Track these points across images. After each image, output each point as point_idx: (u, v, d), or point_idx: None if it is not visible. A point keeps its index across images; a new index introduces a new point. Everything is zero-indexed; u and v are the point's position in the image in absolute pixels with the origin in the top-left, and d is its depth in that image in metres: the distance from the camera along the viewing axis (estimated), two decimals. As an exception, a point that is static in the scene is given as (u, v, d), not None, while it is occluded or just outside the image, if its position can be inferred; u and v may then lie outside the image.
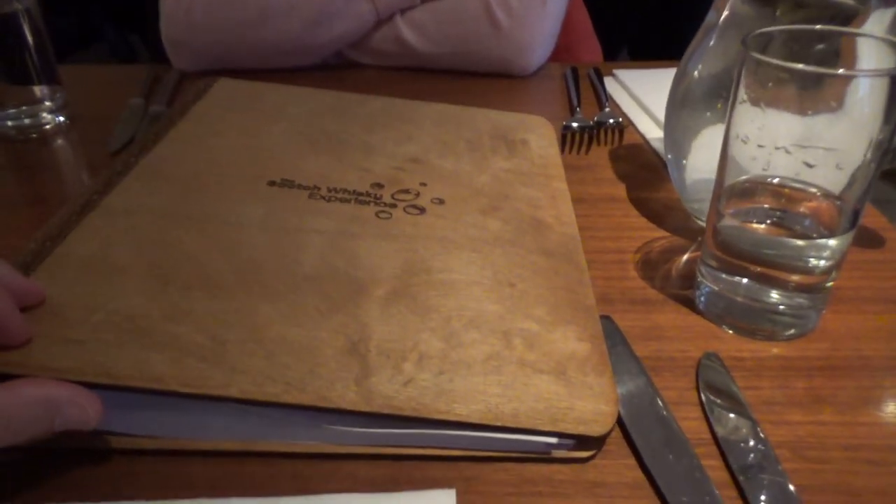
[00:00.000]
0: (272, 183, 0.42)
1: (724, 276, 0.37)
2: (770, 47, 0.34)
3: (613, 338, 0.36)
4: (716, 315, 0.38)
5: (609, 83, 0.71)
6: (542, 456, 0.30)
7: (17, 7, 0.57)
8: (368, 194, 0.42)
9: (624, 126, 0.61)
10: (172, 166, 0.43)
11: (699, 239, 0.45)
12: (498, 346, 0.32)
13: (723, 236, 0.37)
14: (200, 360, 0.29)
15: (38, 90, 0.62)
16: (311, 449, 0.30)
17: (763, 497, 0.28)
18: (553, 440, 0.29)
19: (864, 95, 0.31)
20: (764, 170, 0.34)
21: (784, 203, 0.36)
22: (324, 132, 0.49)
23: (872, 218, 0.48)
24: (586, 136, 0.60)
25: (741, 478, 0.29)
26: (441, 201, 0.42)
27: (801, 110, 0.32)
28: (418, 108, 0.56)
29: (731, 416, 0.32)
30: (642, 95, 0.66)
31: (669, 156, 0.47)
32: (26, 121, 0.62)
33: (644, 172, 0.55)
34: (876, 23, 0.37)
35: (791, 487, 0.28)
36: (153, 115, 0.64)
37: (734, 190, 0.36)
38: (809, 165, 0.33)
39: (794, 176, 0.34)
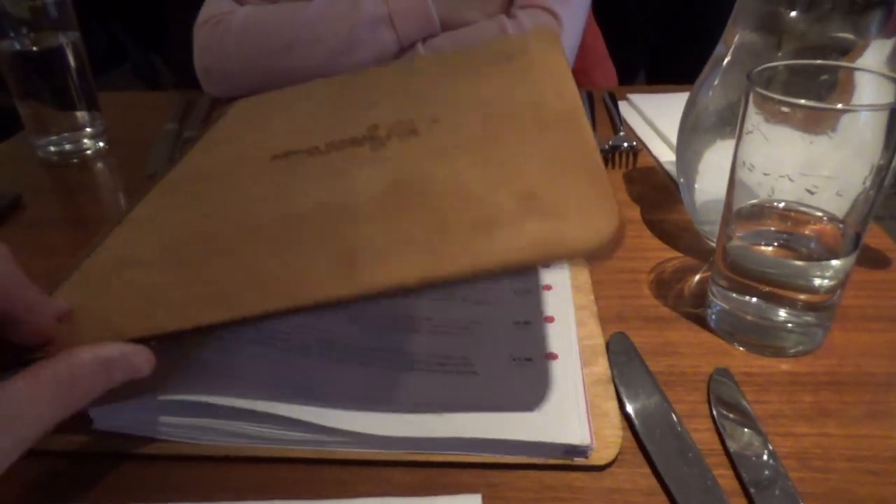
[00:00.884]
0: (275, 157, 0.42)
1: (734, 295, 0.39)
2: (774, 81, 0.36)
3: (628, 353, 0.39)
4: (726, 332, 0.40)
5: (623, 107, 0.73)
6: (561, 463, 0.32)
7: (64, 41, 0.61)
8: (365, 137, 0.41)
9: (638, 149, 0.64)
10: (189, 176, 0.45)
11: (710, 259, 0.47)
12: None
13: (732, 257, 0.39)
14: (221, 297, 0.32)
15: (80, 116, 0.66)
16: (348, 456, 0.33)
17: (772, 506, 0.30)
18: (573, 442, 0.31)
19: (864, 127, 0.33)
20: (769, 195, 0.36)
21: (790, 226, 0.38)
22: (326, 105, 0.49)
23: (878, 239, 0.49)
24: (602, 158, 0.62)
25: (752, 490, 0.31)
26: (436, 119, 0.40)
27: (803, 141, 0.34)
28: (421, 64, 0.55)
29: (741, 428, 0.34)
30: (655, 119, 0.69)
31: (682, 179, 0.49)
32: (67, 146, 0.66)
33: (657, 194, 0.57)
34: (876, 52, 0.39)
35: (800, 502, 0.30)
36: (186, 139, 0.67)
37: (742, 213, 0.38)
38: (811, 192, 0.35)
39: (798, 201, 0.36)
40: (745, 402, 0.36)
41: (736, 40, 0.43)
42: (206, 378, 0.33)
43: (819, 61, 0.36)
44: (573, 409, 0.33)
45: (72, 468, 0.33)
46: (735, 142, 0.36)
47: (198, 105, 0.75)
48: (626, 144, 0.64)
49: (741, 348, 0.40)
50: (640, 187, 0.58)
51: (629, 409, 0.35)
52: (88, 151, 0.67)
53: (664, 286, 0.45)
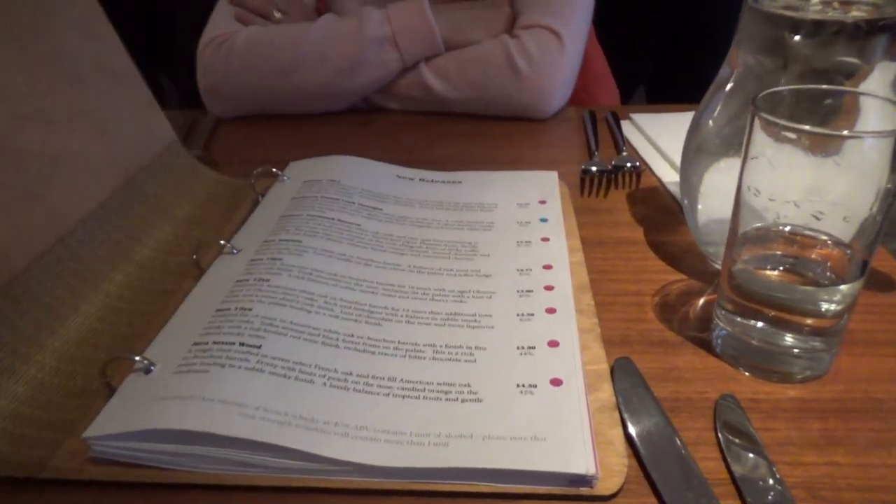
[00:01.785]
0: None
1: (739, 319, 0.39)
2: (779, 106, 0.36)
3: (633, 379, 0.38)
4: (732, 357, 0.40)
5: (626, 127, 0.73)
6: (566, 492, 0.32)
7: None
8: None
9: (641, 170, 0.63)
10: None
11: (715, 282, 0.47)
12: None
13: (737, 281, 0.38)
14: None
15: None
16: (349, 485, 0.32)
17: (779, 536, 0.29)
18: (578, 472, 0.31)
19: (869, 151, 0.33)
20: (775, 220, 0.36)
21: (796, 250, 0.38)
22: None
23: (885, 262, 0.49)
24: (604, 179, 0.62)
25: (759, 518, 0.30)
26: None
27: (809, 166, 0.33)
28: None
29: (748, 455, 0.34)
30: (658, 139, 0.68)
31: (685, 200, 0.49)
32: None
33: (661, 215, 0.57)
34: (881, 76, 0.39)
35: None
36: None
37: (748, 237, 0.38)
38: (818, 218, 0.34)
39: (804, 225, 0.36)
40: (752, 429, 0.35)
41: (740, 63, 0.43)
42: (205, 406, 0.33)
43: (824, 86, 0.36)
44: (578, 437, 0.33)
45: (66, 497, 0.32)
46: (740, 166, 0.36)
47: (201, 125, 0.75)
48: (629, 164, 0.63)
49: (747, 374, 0.39)
50: (644, 208, 0.58)
51: (634, 436, 0.35)
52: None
53: (669, 309, 0.45)
